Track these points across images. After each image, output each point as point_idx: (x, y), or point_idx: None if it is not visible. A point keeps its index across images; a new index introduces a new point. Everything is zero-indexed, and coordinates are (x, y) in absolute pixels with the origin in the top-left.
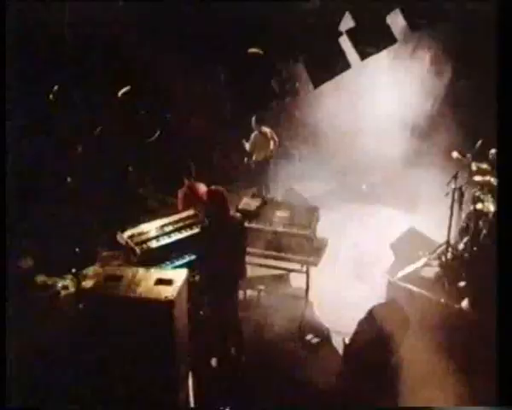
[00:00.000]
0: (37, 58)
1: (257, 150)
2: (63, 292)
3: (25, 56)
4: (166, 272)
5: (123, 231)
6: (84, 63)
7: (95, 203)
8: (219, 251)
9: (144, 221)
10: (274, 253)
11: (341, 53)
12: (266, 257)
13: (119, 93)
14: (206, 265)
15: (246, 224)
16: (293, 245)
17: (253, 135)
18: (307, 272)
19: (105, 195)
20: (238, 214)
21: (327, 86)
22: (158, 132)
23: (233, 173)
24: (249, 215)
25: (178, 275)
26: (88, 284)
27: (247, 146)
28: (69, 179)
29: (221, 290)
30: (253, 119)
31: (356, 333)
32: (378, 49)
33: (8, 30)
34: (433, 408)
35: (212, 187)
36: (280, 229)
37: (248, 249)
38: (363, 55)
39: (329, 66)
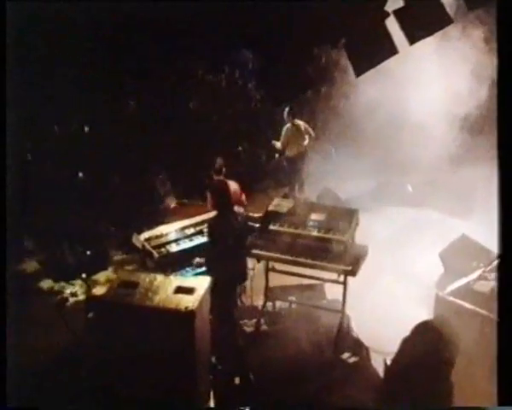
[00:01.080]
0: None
1: (289, 145)
2: (71, 299)
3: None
4: (187, 280)
5: (139, 232)
6: (100, 52)
7: (108, 201)
8: (220, 249)
9: (163, 222)
10: (307, 260)
11: (388, 37)
12: (299, 265)
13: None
14: (207, 265)
15: (276, 227)
16: (329, 252)
17: (284, 128)
18: (344, 283)
19: (119, 192)
20: (242, 210)
21: (366, 73)
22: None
23: (262, 171)
24: (280, 218)
25: (200, 283)
26: (99, 290)
27: (279, 141)
28: (81, 174)
29: (222, 296)
30: (286, 110)
31: (399, 353)
32: (430, 32)
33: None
34: (486, 408)
35: (216, 178)
36: (314, 233)
37: (279, 256)
38: (413, 39)
39: (374, 51)
